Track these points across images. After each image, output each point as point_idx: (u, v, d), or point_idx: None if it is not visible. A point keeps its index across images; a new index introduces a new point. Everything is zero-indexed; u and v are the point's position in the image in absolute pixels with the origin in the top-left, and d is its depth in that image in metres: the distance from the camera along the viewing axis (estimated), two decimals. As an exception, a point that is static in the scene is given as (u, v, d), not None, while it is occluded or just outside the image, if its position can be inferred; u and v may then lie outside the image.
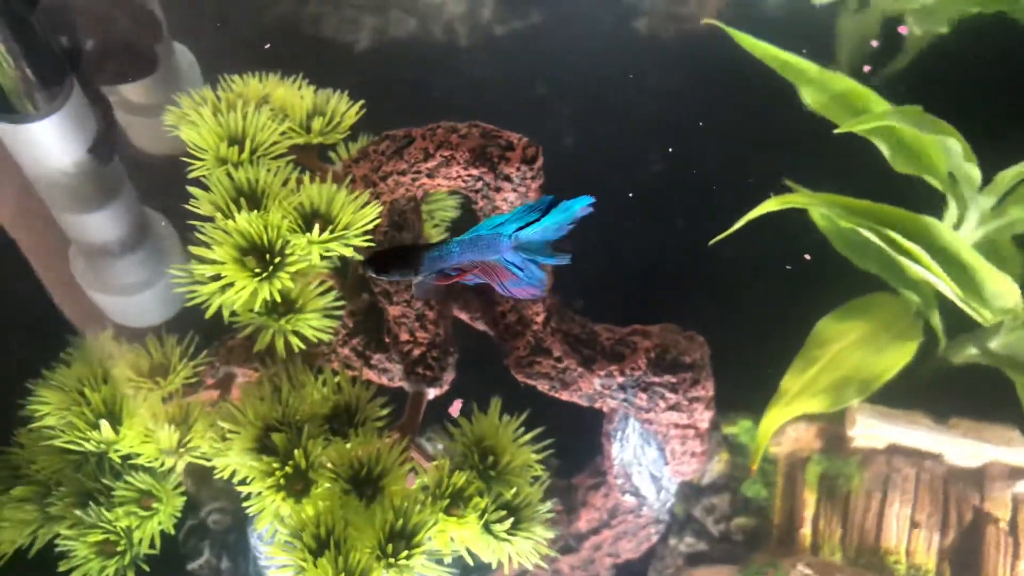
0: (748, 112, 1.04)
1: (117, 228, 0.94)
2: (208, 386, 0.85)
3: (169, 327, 0.88)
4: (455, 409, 0.72)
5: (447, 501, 0.67)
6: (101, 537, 0.83)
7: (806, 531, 0.92)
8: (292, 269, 0.65)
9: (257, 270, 0.65)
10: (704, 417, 0.78)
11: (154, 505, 0.84)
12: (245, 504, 1.00)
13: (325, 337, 0.77)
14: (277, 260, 0.65)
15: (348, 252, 0.66)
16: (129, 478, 0.83)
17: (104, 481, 0.84)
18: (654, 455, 0.82)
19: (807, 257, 0.97)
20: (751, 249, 0.98)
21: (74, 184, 0.86)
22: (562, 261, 0.62)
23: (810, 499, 0.93)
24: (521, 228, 0.60)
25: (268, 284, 0.65)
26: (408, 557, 0.64)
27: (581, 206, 0.60)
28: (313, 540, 0.65)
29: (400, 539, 0.66)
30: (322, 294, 0.78)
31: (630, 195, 1.00)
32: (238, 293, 0.65)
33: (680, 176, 1.04)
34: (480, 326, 0.78)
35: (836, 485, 0.93)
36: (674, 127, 1.05)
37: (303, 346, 0.76)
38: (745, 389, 0.96)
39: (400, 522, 0.66)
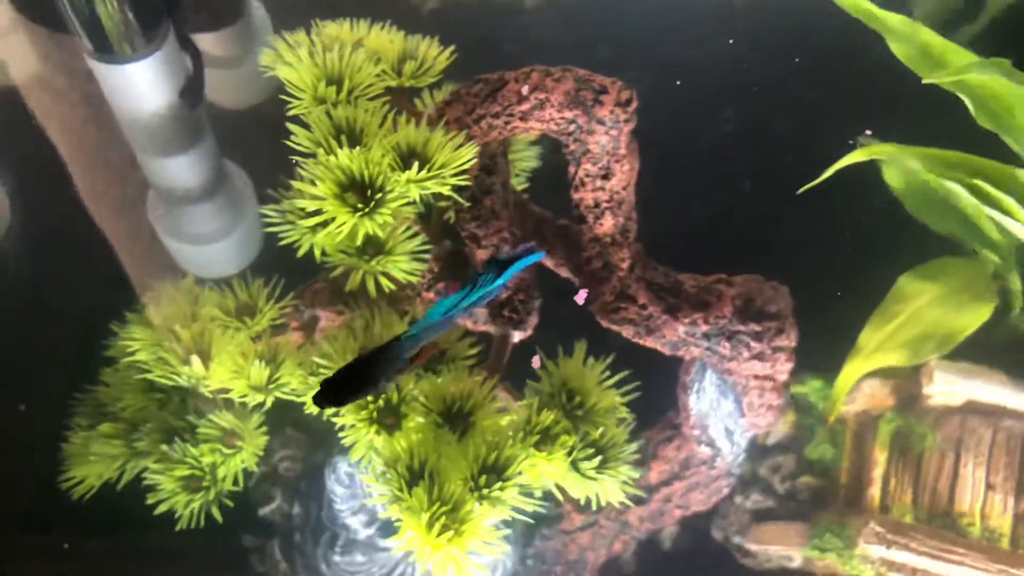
0: (826, 68, 1.04)
1: (198, 174, 0.95)
2: (293, 328, 0.87)
3: (242, 278, 0.90)
4: (536, 363, 0.73)
5: (536, 437, 0.68)
6: (187, 472, 0.85)
7: (875, 491, 0.92)
8: (393, 206, 0.66)
9: (359, 206, 0.66)
10: (784, 369, 0.78)
11: (237, 443, 0.86)
12: (320, 449, 1.04)
13: (414, 279, 0.78)
14: (378, 196, 0.66)
15: (445, 190, 0.67)
16: (213, 416, 0.86)
17: (189, 419, 0.87)
18: (730, 407, 0.83)
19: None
20: (821, 210, 0.97)
21: (162, 126, 0.88)
22: (533, 258, 0.65)
23: (880, 458, 0.93)
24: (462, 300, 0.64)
25: (369, 220, 0.66)
26: (501, 489, 0.65)
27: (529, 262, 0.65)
28: (407, 471, 0.66)
29: (492, 472, 0.67)
30: (409, 238, 0.79)
31: (707, 150, 1.01)
32: (338, 229, 0.67)
33: (757, 132, 1.03)
34: (564, 272, 0.79)
35: (908, 445, 0.93)
36: (749, 83, 1.04)
37: (393, 287, 0.78)
38: (815, 349, 0.96)
39: (492, 456, 0.67)
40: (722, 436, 0.87)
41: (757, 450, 1.02)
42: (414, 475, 0.66)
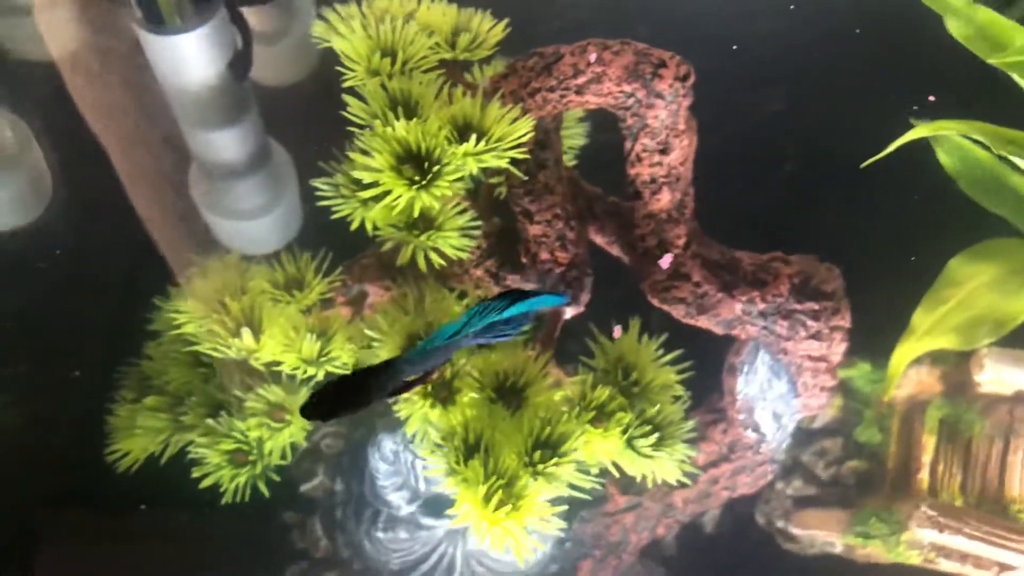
0: (880, 47, 1.02)
1: (242, 148, 0.95)
2: (340, 303, 0.87)
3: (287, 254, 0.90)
4: (617, 332, 0.73)
5: (592, 414, 0.68)
6: (232, 446, 0.86)
7: (923, 476, 0.91)
8: (449, 179, 0.66)
9: (416, 178, 0.66)
10: (838, 351, 0.77)
11: (285, 418, 0.86)
12: (362, 426, 1.04)
13: (464, 255, 0.78)
14: (435, 169, 0.65)
15: (503, 164, 0.67)
16: (260, 390, 0.86)
17: (236, 393, 0.87)
18: (781, 389, 0.82)
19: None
20: (873, 189, 0.96)
21: (209, 99, 0.88)
22: (556, 300, 0.62)
23: (929, 444, 0.91)
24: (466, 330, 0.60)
25: (425, 193, 0.66)
26: (556, 465, 0.65)
27: (549, 303, 0.61)
28: (462, 444, 0.66)
29: (546, 448, 0.67)
30: (459, 214, 0.79)
31: (756, 129, 0.99)
32: (394, 202, 0.66)
33: (808, 110, 1.02)
34: (614, 250, 0.79)
35: (957, 431, 0.92)
36: (801, 61, 1.03)
37: (443, 263, 0.77)
38: (863, 332, 0.95)
39: (546, 431, 0.66)
40: (769, 420, 0.86)
41: (801, 435, 1.01)
42: (469, 449, 0.66)
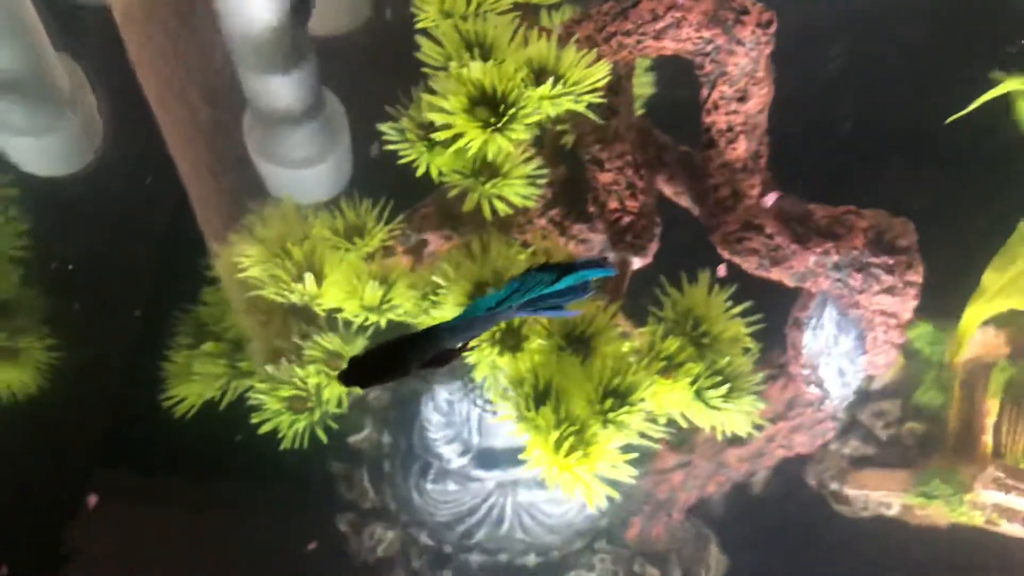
0: (952, 3, 1.00)
1: (300, 95, 0.94)
2: (400, 252, 0.86)
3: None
4: (721, 272, 0.71)
5: (662, 364, 0.67)
6: (291, 393, 0.86)
7: (987, 439, 0.90)
8: (525, 122, 0.65)
9: (491, 121, 0.64)
10: (909, 306, 0.76)
11: (342, 366, 0.86)
12: (409, 380, 1.04)
13: (530, 203, 0.77)
14: (511, 112, 0.64)
15: (581, 108, 0.65)
16: (318, 338, 0.86)
17: (294, 340, 0.87)
18: (848, 345, 0.81)
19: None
20: (946, 147, 0.94)
21: (271, 42, 0.87)
22: (602, 272, 0.59)
23: (993, 407, 0.90)
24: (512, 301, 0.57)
25: (500, 136, 0.65)
26: (627, 413, 0.64)
27: (594, 276, 0.58)
28: (532, 390, 0.65)
29: (615, 397, 0.66)
30: (525, 162, 0.78)
31: (829, 83, 0.97)
32: (467, 144, 0.65)
33: (879, 65, 0.99)
34: (683, 201, 0.77)
35: (1022, 394, 0.90)
36: (872, 16, 1.00)
37: (509, 211, 0.76)
38: (926, 293, 0.94)
39: (616, 380, 0.66)
40: (833, 376, 0.85)
41: (859, 396, 1.00)
42: (539, 395, 0.65)
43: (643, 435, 0.64)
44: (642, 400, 0.65)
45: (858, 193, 0.85)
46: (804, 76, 1.01)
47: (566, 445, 0.63)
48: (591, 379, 0.65)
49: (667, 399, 0.67)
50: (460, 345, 0.58)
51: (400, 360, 0.55)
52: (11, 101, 0.96)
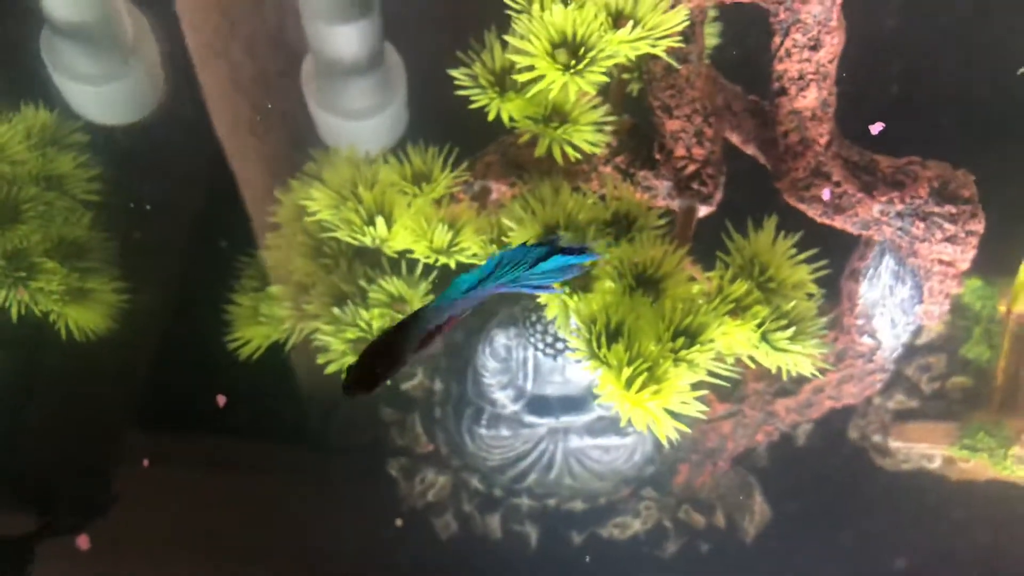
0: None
1: (367, 44, 0.96)
2: (462, 199, 0.88)
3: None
4: (826, 194, 0.72)
5: (730, 306, 0.69)
6: (356, 335, 0.88)
7: (1033, 393, 0.92)
8: (604, 66, 0.66)
9: (572, 63, 0.66)
10: (967, 257, 0.77)
11: (406, 309, 0.89)
12: (460, 328, 1.06)
13: (598, 150, 0.78)
14: (590, 55, 0.66)
15: (658, 52, 0.67)
16: (382, 282, 0.88)
17: (360, 283, 0.89)
18: (904, 295, 0.82)
19: None
20: (1006, 102, 0.94)
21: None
22: (582, 259, 0.59)
23: (1041, 361, 0.92)
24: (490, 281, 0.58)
25: (580, 78, 0.66)
26: (698, 353, 0.66)
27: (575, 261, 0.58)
28: (604, 329, 0.67)
29: (685, 336, 0.68)
30: (592, 109, 0.79)
31: (891, 35, 0.97)
32: (549, 86, 0.67)
33: (954, 16, 0.99)
34: (750, 150, 0.79)
35: (1071, 349, 0.92)
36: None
37: (578, 156, 0.78)
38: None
39: (686, 320, 0.68)
40: (886, 327, 0.87)
41: (905, 350, 1.02)
42: (611, 334, 0.67)
43: (712, 373, 0.67)
44: (711, 340, 0.67)
45: (917, 146, 0.86)
46: (866, 28, 1.02)
47: (638, 381, 0.65)
48: (661, 319, 0.67)
49: (735, 340, 0.69)
50: (443, 322, 0.58)
51: (396, 353, 0.55)
52: (77, 49, 0.98)
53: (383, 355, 0.56)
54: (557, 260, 0.61)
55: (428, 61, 0.97)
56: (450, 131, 0.88)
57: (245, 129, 1.11)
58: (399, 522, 1.02)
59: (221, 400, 0.95)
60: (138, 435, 1.03)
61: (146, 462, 0.98)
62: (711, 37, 0.86)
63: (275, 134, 1.11)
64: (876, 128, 0.71)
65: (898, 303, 0.83)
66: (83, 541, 0.91)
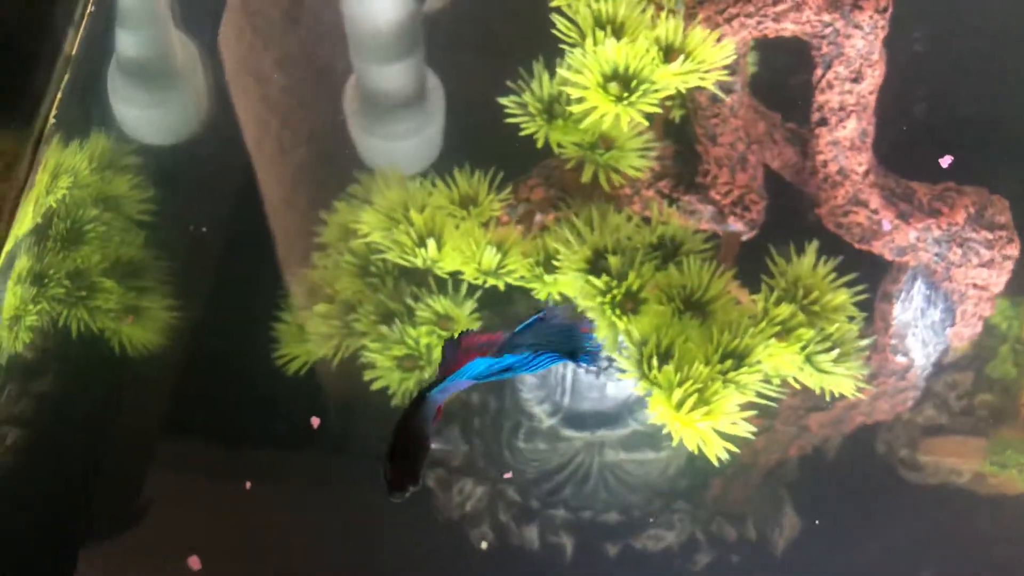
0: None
1: (412, 78, 0.98)
2: (505, 222, 0.91)
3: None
4: (945, 161, 0.74)
5: (776, 328, 0.71)
6: (403, 353, 0.91)
7: (1060, 410, 0.94)
8: (654, 98, 0.69)
9: (624, 95, 0.69)
10: (1001, 281, 0.80)
11: (452, 327, 0.91)
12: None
13: (641, 175, 0.81)
14: (644, 87, 0.68)
15: (707, 85, 0.69)
16: (429, 300, 0.91)
17: (407, 302, 0.92)
18: (935, 317, 0.85)
19: None
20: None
21: (393, 34, 0.91)
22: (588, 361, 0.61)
23: (1068, 380, 0.94)
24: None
25: (632, 109, 0.69)
26: (746, 374, 0.69)
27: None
28: (655, 351, 0.70)
29: (733, 358, 0.71)
30: (636, 136, 0.82)
31: (915, 63, 1.00)
32: (601, 117, 0.70)
33: (969, 47, 1.02)
34: (788, 176, 0.81)
35: (1096, 368, 0.94)
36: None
37: (623, 181, 0.81)
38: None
39: (734, 343, 0.70)
40: (919, 347, 0.89)
41: (934, 368, 1.04)
42: (661, 356, 0.70)
43: (760, 394, 0.69)
44: (758, 362, 0.70)
45: (948, 174, 0.89)
46: (895, 59, 1.05)
47: (689, 403, 0.67)
48: (710, 341, 0.70)
49: (781, 361, 0.71)
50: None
51: (419, 442, 0.58)
52: (136, 78, 1.01)
53: (411, 449, 0.58)
54: (553, 358, 0.62)
55: (467, 86, 1.00)
56: (489, 155, 0.91)
57: (279, 148, 1.13)
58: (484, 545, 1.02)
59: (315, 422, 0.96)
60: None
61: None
62: (750, 66, 0.89)
63: (309, 152, 1.14)
64: (946, 161, 0.74)
65: (929, 324, 0.86)
66: (194, 562, 0.92)
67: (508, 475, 0.94)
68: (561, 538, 1.11)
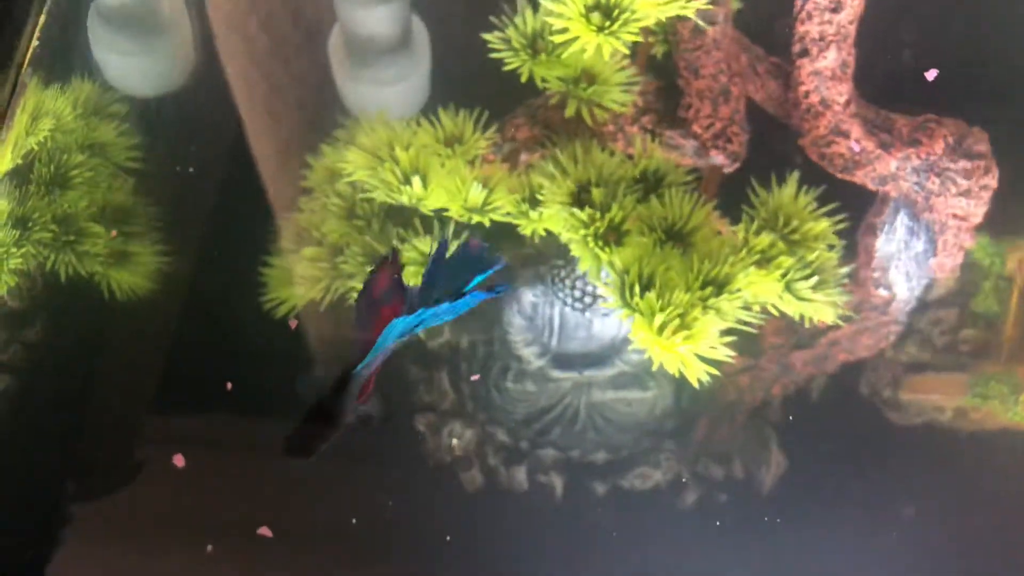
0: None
1: (396, 24, 0.98)
2: (491, 160, 0.91)
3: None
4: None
5: (756, 257, 0.72)
6: (391, 293, 0.92)
7: (1042, 343, 0.95)
8: (635, 27, 0.69)
9: (605, 25, 0.69)
10: (980, 211, 0.81)
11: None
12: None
13: (625, 110, 0.82)
14: (624, 16, 0.69)
15: (689, 14, 0.70)
16: (415, 242, 0.91)
17: (393, 244, 0.93)
18: (918, 248, 0.86)
19: None
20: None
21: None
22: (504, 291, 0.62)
23: (1049, 313, 0.95)
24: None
25: (614, 39, 0.69)
26: (726, 301, 0.70)
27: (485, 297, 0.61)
28: (636, 280, 0.71)
29: (714, 286, 0.72)
30: (619, 71, 0.82)
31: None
32: (583, 49, 0.70)
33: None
34: (770, 108, 0.82)
35: (1078, 301, 0.95)
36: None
37: (606, 116, 0.81)
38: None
39: (714, 271, 0.71)
40: (901, 280, 0.90)
41: (917, 304, 1.05)
42: (643, 284, 0.71)
43: (740, 321, 0.70)
44: (738, 289, 0.71)
45: (931, 105, 0.89)
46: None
47: (670, 328, 0.68)
48: (691, 270, 0.71)
49: (760, 289, 0.72)
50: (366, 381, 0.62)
51: (334, 418, 0.61)
52: (119, 25, 1.01)
53: (321, 425, 0.61)
54: (467, 301, 0.66)
55: (450, 27, 1.00)
56: (474, 96, 0.91)
57: (264, 100, 1.13)
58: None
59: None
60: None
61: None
62: (734, 1, 0.89)
63: (294, 103, 1.14)
64: (931, 75, 0.74)
65: (913, 256, 0.87)
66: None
67: (475, 377, 0.95)
68: (550, 478, 1.12)
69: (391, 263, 0.67)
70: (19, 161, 0.86)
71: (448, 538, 1.07)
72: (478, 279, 0.64)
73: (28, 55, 0.95)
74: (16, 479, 0.93)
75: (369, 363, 0.62)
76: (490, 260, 0.64)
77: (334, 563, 0.91)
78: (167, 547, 0.88)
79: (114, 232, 0.88)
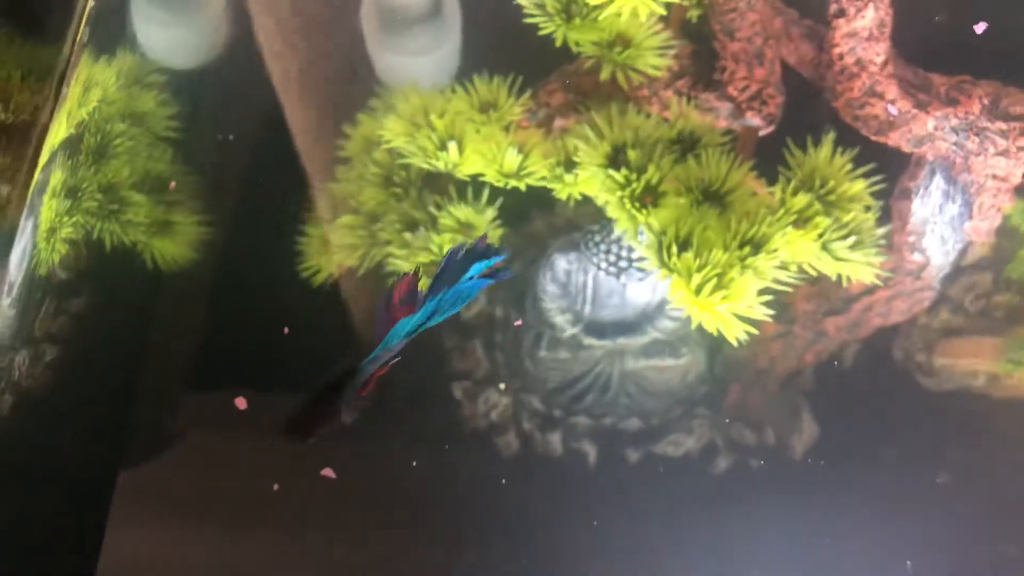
0: None
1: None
2: (526, 127, 0.92)
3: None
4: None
5: (793, 217, 0.73)
6: (427, 259, 0.93)
7: (1077, 308, 0.95)
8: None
9: (641, -15, 0.70)
10: (1019, 172, 0.80)
11: (474, 235, 0.93)
12: (518, 257, 1.11)
13: (660, 74, 0.82)
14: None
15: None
16: (451, 208, 0.93)
17: (430, 210, 0.94)
18: (953, 212, 0.86)
19: None
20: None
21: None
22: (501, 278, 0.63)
23: (1085, 277, 0.95)
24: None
25: (649, 1, 0.70)
26: (763, 260, 0.70)
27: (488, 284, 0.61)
28: (674, 240, 0.72)
29: (751, 245, 0.72)
30: (654, 35, 0.83)
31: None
32: (619, 12, 0.70)
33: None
34: (806, 72, 0.82)
35: (1114, 265, 0.95)
36: None
37: (643, 80, 0.82)
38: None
39: (752, 231, 0.72)
40: (936, 244, 0.90)
41: (951, 270, 1.05)
42: (680, 245, 0.72)
43: (777, 280, 0.71)
44: (775, 249, 0.72)
45: (969, 67, 0.89)
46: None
47: (707, 287, 0.69)
48: (728, 230, 0.71)
49: (797, 249, 0.73)
50: (376, 370, 0.63)
51: (333, 410, 0.62)
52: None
53: (320, 414, 0.63)
54: (476, 268, 0.66)
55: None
56: (508, 62, 0.92)
57: (299, 71, 1.15)
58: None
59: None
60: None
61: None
62: (767, -36, 0.89)
63: (330, 74, 1.15)
64: (980, 27, 0.74)
65: (948, 220, 0.87)
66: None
67: (518, 323, 0.96)
68: (583, 445, 1.14)
69: (412, 275, 0.69)
70: (72, 131, 0.87)
71: (502, 483, 1.08)
72: (479, 268, 0.66)
73: (82, 28, 0.97)
74: (70, 448, 0.95)
75: (375, 359, 0.62)
76: (492, 251, 0.67)
77: (394, 506, 0.92)
78: (232, 488, 0.90)
79: (172, 183, 0.90)
